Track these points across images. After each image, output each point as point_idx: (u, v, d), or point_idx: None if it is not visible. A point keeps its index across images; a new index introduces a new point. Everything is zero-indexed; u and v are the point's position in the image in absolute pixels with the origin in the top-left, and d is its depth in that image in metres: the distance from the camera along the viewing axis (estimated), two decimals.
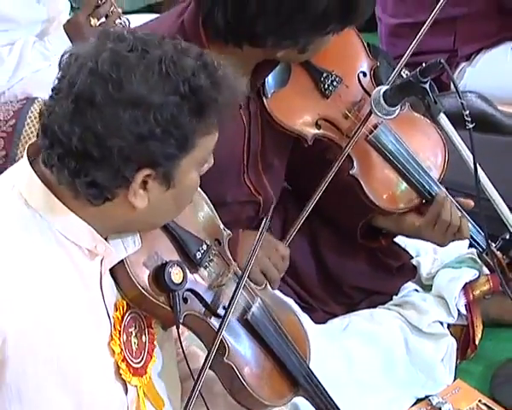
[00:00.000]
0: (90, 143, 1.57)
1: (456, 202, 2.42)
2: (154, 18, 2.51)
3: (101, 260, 1.71)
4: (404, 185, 2.40)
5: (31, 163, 1.67)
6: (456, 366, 2.55)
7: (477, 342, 2.59)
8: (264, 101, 2.31)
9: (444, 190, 2.41)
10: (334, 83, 2.37)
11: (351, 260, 2.58)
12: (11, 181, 1.69)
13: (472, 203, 2.42)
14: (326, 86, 2.37)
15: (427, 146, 2.44)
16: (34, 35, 2.99)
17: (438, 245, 2.52)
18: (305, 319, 2.41)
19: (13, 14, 2.92)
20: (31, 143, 1.71)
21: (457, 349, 2.56)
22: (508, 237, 2.40)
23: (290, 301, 2.39)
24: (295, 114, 2.34)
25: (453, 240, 2.45)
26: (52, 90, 1.62)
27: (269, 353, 1.94)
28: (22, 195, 1.66)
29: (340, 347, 2.46)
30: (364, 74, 2.43)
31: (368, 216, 2.47)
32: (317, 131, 2.34)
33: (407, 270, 2.65)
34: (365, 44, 2.47)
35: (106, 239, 1.71)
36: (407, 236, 2.54)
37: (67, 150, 1.59)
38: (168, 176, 1.63)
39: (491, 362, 2.60)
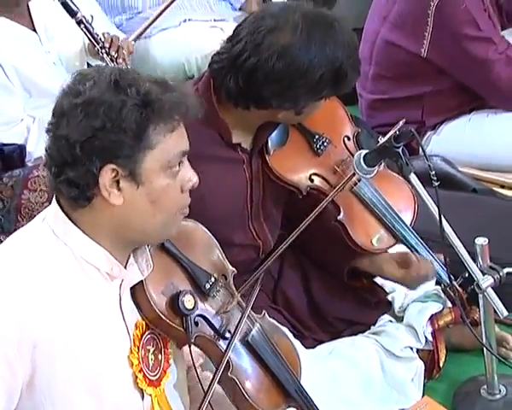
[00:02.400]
0: (63, 149, 1.61)
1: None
2: None
3: (120, 284, 1.71)
4: (382, 229, 2.40)
5: (58, 201, 1.68)
6: (424, 385, 2.52)
7: (441, 365, 2.55)
8: (267, 157, 2.32)
9: (415, 234, 2.41)
10: (325, 144, 2.38)
11: (336, 295, 2.55)
12: (43, 215, 1.71)
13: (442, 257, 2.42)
14: (318, 146, 2.38)
15: (400, 198, 2.44)
16: None
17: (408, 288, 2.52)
18: (296, 344, 2.39)
19: (50, 89, 2.88)
20: None
21: (425, 370, 2.53)
22: (467, 275, 2.39)
23: (284, 329, 2.36)
24: (292, 168, 2.35)
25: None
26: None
27: (266, 369, 1.92)
28: (50, 226, 1.67)
29: (326, 368, 2.43)
30: (348, 138, 2.44)
31: (352, 262, 2.45)
32: (310, 183, 2.35)
33: (383, 304, 2.62)
34: (349, 114, 2.49)
35: (125, 267, 1.72)
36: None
37: (53, 162, 1.63)
38: (134, 173, 1.62)
39: (453, 381, 2.56)
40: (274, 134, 2.33)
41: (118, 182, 1.62)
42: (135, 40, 3.42)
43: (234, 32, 2.21)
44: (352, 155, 2.36)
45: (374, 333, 2.55)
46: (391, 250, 2.48)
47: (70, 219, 1.66)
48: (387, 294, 2.65)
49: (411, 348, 2.52)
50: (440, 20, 2.97)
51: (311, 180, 2.35)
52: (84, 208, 1.65)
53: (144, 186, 1.63)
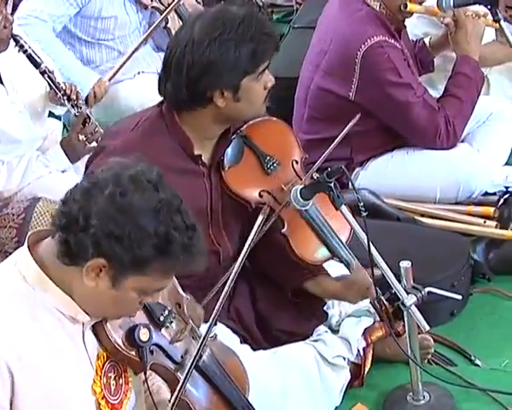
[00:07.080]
0: (80, 216, 1.56)
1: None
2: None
3: (83, 323, 1.68)
4: (320, 244, 2.38)
5: (29, 248, 1.64)
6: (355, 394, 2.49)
7: (363, 379, 2.51)
8: (222, 172, 2.33)
9: (349, 251, 2.38)
10: (275, 164, 2.39)
11: (278, 309, 2.50)
12: (14, 259, 1.66)
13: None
14: (268, 166, 2.38)
15: (339, 218, 2.39)
16: (35, 150, 2.97)
17: (350, 302, 2.48)
18: (246, 348, 2.37)
19: (17, 135, 2.87)
20: (32, 233, 1.69)
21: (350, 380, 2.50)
22: (393, 291, 2.37)
23: (235, 338, 2.36)
24: (244, 184, 2.35)
25: (362, 299, 2.43)
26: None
27: (216, 390, 1.89)
28: (21, 272, 1.62)
29: (273, 371, 2.37)
30: (297, 162, 2.44)
31: (299, 284, 2.42)
32: (259, 198, 2.35)
33: (320, 315, 2.56)
34: (299, 142, 2.49)
35: None
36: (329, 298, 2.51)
37: (63, 221, 1.59)
38: (116, 278, 1.59)
39: (383, 390, 2.54)
40: (230, 153, 2.34)
41: (100, 270, 1.59)
42: (109, 80, 3.47)
43: None
44: (299, 177, 2.38)
45: (312, 340, 2.50)
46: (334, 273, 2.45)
47: (43, 263, 1.62)
48: (325, 304, 2.60)
49: (344, 359, 2.48)
50: (366, 67, 2.97)
51: (260, 196, 2.35)
52: (64, 265, 1.62)
53: (117, 291, 1.61)
